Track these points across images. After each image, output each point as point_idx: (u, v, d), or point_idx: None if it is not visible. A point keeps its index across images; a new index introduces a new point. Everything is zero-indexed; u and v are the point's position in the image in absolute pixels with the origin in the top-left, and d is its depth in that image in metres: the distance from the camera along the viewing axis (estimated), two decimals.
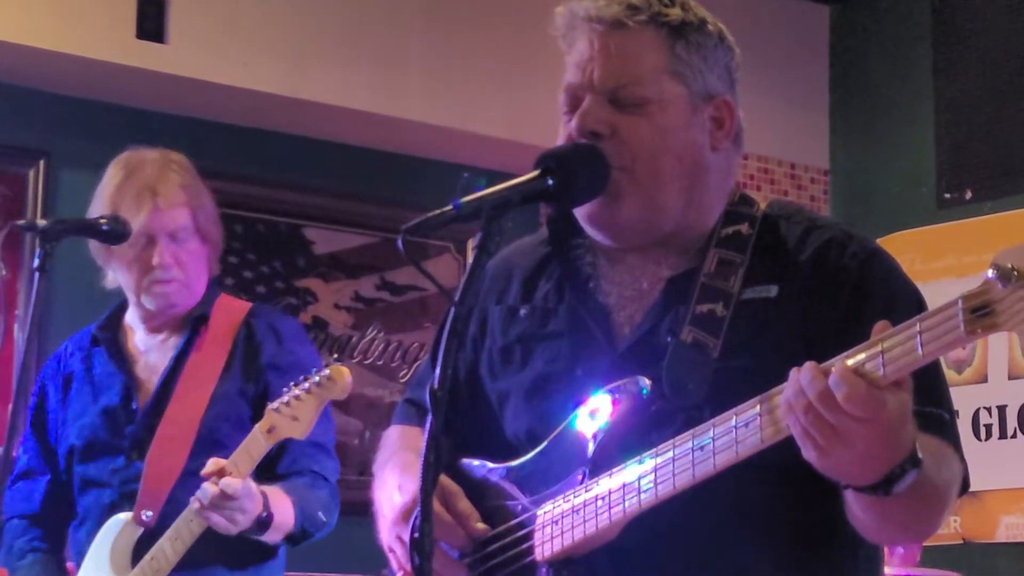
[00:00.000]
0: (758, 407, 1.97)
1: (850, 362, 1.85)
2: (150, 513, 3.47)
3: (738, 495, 2.13)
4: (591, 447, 2.18)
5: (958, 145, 6.64)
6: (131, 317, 3.73)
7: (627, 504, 2.10)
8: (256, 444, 3.27)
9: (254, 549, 3.49)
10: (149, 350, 3.69)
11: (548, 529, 2.19)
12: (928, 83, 6.82)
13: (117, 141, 5.89)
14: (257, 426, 3.28)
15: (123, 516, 3.51)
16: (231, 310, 3.71)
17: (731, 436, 1.99)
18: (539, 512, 2.22)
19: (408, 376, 6.77)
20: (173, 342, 3.66)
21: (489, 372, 2.43)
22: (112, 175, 3.63)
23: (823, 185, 7.14)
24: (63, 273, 4.85)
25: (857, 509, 2.05)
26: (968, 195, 6.54)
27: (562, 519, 2.18)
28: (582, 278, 2.35)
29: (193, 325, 3.65)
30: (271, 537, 3.43)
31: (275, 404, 3.23)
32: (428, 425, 1.94)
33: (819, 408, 1.85)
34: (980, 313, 1.72)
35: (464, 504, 2.27)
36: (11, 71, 5.67)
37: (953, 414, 2.19)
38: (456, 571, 2.27)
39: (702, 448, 2.02)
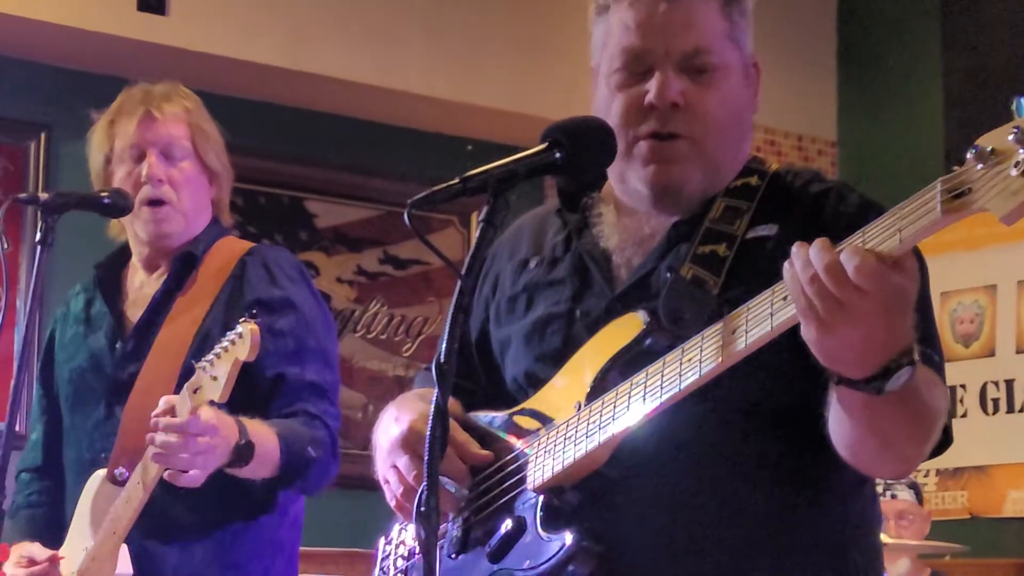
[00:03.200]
0: (747, 311, 1.97)
1: (858, 240, 1.86)
2: (123, 470, 3.19)
3: (724, 434, 2.14)
4: (588, 380, 2.18)
5: (966, 117, 6.62)
6: (134, 254, 3.48)
7: (616, 424, 2.10)
8: (183, 403, 2.97)
9: (236, 498, 3.20)
10: (140, 286, 3.44)
11: (540, 458, 2.20)
12: (936, 55, 6.80)
13: None
14: (187, 384, 2.99)
15: (100, 474, 3.27)
16: (230, 250, 3.41)
17: (722, 342, 1.98)
18: (535, 444, 2.23)
19: (411, 350, 6.76)
20: (163, 278, 3.39)
21: (495, 322, 2.45)
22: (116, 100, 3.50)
23: (830, 157, 7.12)
24: (65, 246, 4.82)
25: (844, 415, 2.03)
26: None
27: (554, 448, 2.19)
28: (587, 227, 2.38)
29: (181, 263, 3.36)
30: (258, 472, 3.12)
31: (201, 362, 2.93)
32: (434, 399, 1.92)
33: (825, 279, 1.85)
34: (956, 194, 1.75)
35: (462, 435, 2.29)
36: (12, 44, 5.65)
37: (942, 357, 2.19)
38: (450, 504, 2.27)
39: (689, 360, 2.02)
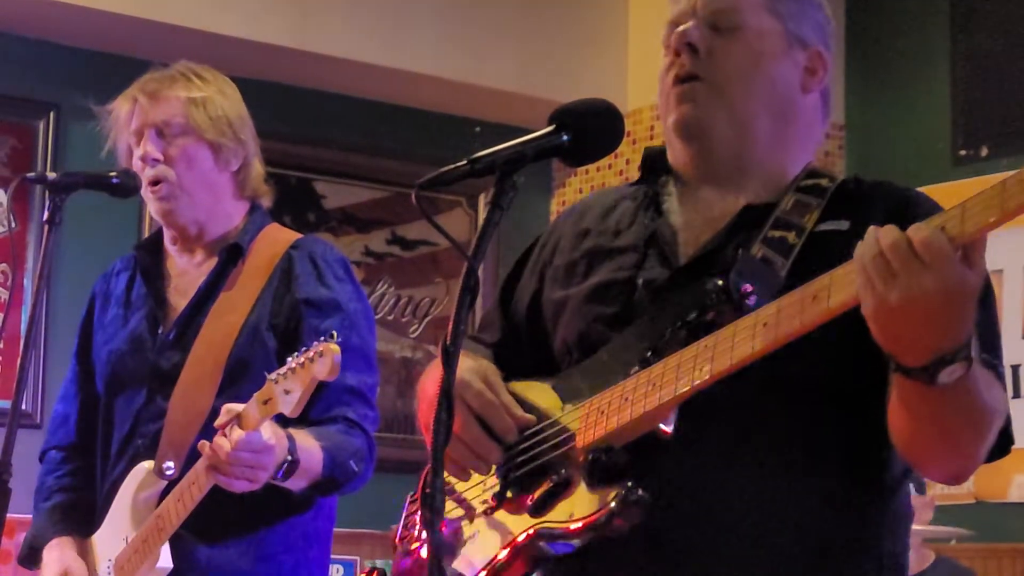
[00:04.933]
0: (827, 279, 1.98)
1: (932, 222, 1.89)
2: (171, 465, 3.21)
3: (781, 410, 2.15)
4: (650, 344, 2.18)
5: (974, 101, 6.60)
6: (165, 240, 3.48)
7: (679, 384, 2.09)
8: (251, 414, 2.96)
9: (275, 501, 3.19)
10: (182, 272, 3.43)
11: (594, 416, 2.19)
12: (945, 38, 6.78)
13: None
14: (256, 394, 2.97)
15: (146, 465, 3.26)
16: (275, 241, 3.40)
17: (797, 307, 1.98)
18: (587, 404, 2.22)
19: (418, 331, 6.76)
20: (207, 267, 3.39)
21: (552, 284, 2.45)
22: None
23: (838, 140, 7.10)
24: (72, 226, 4.84)
25: (900, 407, 2.05)
26: (984, 152, 6.51)
27: (608, 405, 2.17)
28: (657, 203, 2.40)
29: (228, 254, 3.36)
30: (295, 484, 3.12)
31: (274, 375, 2.91)
32: (441, 380, 1.92)
33: (890, 254, 1.88)
34: None
35: (507, 395, 2.29)
36: (21, 23, 5.65)
37: (1003, 365, 2.20)
38: (488, 449, 2.27)
39: (765, 324, 2.02)
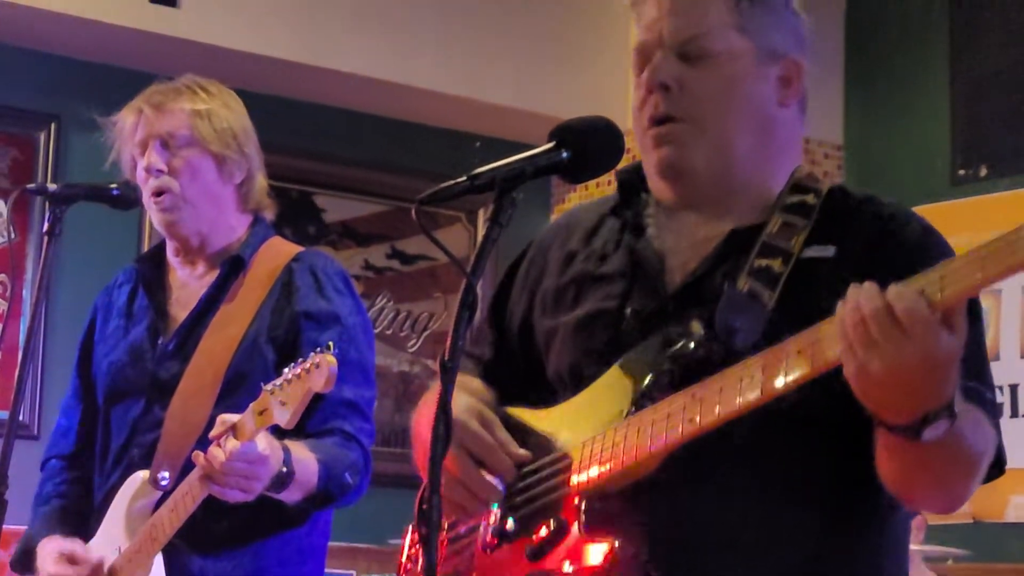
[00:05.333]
0: (812, 334, 1.98)
1: (911, 286, 1.88)
2: (166, 475, 3.21)
3: (776, 445, 2.13)
4: (638, 387, 2.18)
5: (973, 121, 6.61)
6: (168, 252, 3.48)
7: (669, 436, 2.09)
8: (246, 425, 2.95)
9: (270, 514, 3.18)
10: (184, 284, 3.43)
11: (587, 461, 2.19)
12: (944, 58, 6.79)
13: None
14: (252, 405, 2.97)
15: (141, 475, 3.26)
16: (277, 254, 3.40)
17: (782, 365, 1.98)
18: (580, 446, 2.22)
19: (416, 346, 6.76)
20: (209, 279, 3.39)
21: (541, 311, 2.44)
22: None
23: (837, 160, 7.11)
24: (72, 237, 4.84)
25: (886, 454, 2.06)
26: (983, 171, 6.51)
27: (601, 451, 2.17)
28: (640, 226, 2.37)
29: (230, 266, 3.36)
30: (290, 496, 3.11)
31: (270, 385, 2.91)
32: (439, 396, 1.92)
33: (871, 323, 1.88)
34: None
35: (503, 433, 2.28)
36: (23, 34, 5.66)
37: (995, 395, 2.20)
38: (488, 491, 2.27)
39: (751, 377, 2.02)
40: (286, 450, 3.07)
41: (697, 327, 2.17)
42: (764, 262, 2.21)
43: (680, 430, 2.08)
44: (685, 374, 2.14)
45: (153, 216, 3.40)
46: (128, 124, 3.40)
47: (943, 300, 1.85)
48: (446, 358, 1.96)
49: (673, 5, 2.30)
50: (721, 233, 2.29)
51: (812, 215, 2.26)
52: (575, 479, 2.20)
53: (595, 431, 2.21)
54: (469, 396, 2.30)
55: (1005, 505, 6.26)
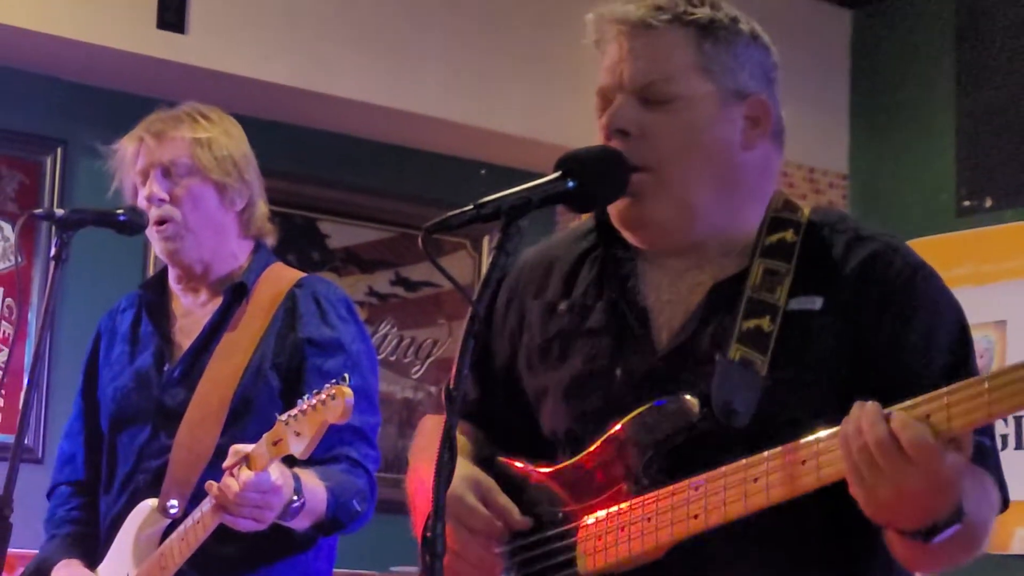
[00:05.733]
0: (816, 445, 1.98)
1: (915, 412, 1.87)
2: (175, 504, 3.22)
3: (783, 519, 2.10)
4: (637, 461, 2.17)
5: (978, 152, 6.62)
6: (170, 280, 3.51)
7: (675, 528, 2.10)
8: (260, 455, 2.97)
9: (277, 540, 3.19)
10: (187, 312, 3.46)
11: (591, 542, 2.19)
12: (950, 89, 6.80)
13: None
14: (266, 435, 2.98)
15: (150, 503, 3.28)
16: (279, 279, 3.42)
17: (787, 472, 1.99)
18: (582, 523, 2.21)
19: (420, 372, 6.76)
20: (212, 306, 3.42)
21: (527, 367, 2.42)
22: None
23: (842, 190, 7.12)
24: (77, 262, 4.84)
25: (897, 546, 2.06)
26: (988, 203, 6.52)
27: (606, 534, 2.17)
28: (622, 276, 2.34)
29: (233, 293, 3.38)
30: (299, 523, 3.14)
31: (285, 416, 2.93)
32: (444, 425, 1.93)
33: (874, 451, 1.88)
34: None
35: (503, 499, 2.27)
36: (30, 59, 5.67)
37: (995, 440, 2.20)
38: (491, 565, 2.26)
39: (756, 480, 2.01)
40: (297, 479, 3.08)
41: (694, 404, 2.15)
42: (752, 323, 2.18)
43: (687, 525, 2.09)
44: (683, 452, 2.14)
45: (156, 245, 3.42)
46: (129, 152, 3.42)
47: (951, 430, 1.85)
48: (451, 386, 1.96)
49: (633, 47, 2.26)
50: (702, 285, 2.26)
51: (793, 257, 2.22)
52: (580, 562, 2.20)
53: (596, 505, 2.20)
54: (466, 467, 2.28)
55: (1010, 537, 6.24)
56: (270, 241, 3.51)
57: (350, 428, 3.24)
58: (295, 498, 3.06)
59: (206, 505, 3.07)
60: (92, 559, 3.39)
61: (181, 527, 3.16)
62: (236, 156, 3.41)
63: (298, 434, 2.89)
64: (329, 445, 3.20)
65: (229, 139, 3.42)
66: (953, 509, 1.93)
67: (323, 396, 2.88)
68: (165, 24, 5.67)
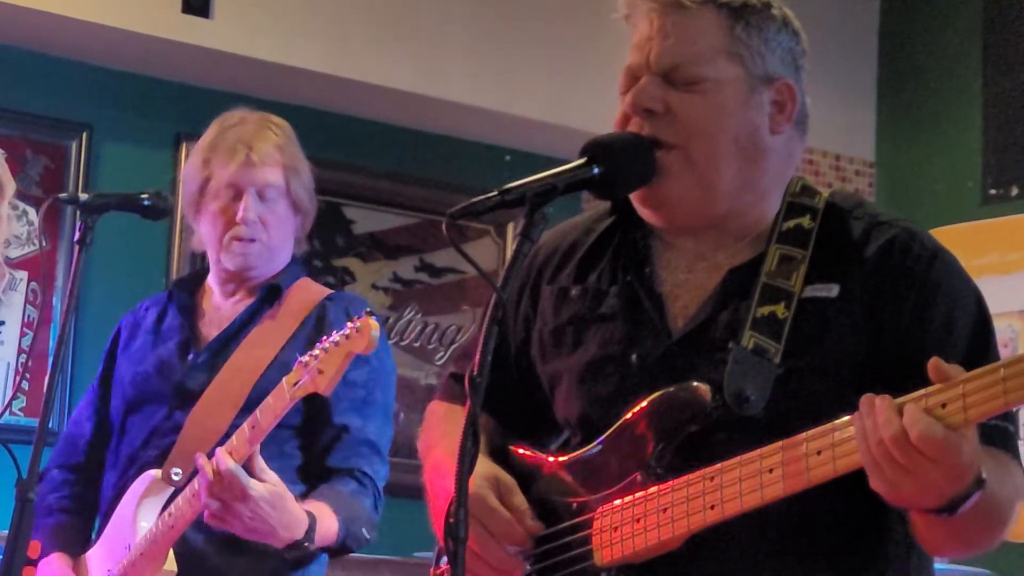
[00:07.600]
0: (832, 436, 1.96)
1: (930, 402, 1.86)
2: (179, 471, 3.29)
3: (800, 507, 2.10)
4: (650, 450, 2.16)
5: (1005, 141, 6.59)
6: (212, 278, 3.61)
7: (691, 519, 2.10)
8: (280, 397, 3.05)
9: (283, 557, 3.26)
10: (218, 307, 3.56)
11: (607, 534, 2.19)
12: (977, 77, 6.77)
13: (159, 115, 5.93)
14: (285, 379, 3.07)
15: (153, 473, 3.34)
16: (310, 291, 3.56)
17: (803, 463, 1.97)
18: (597, 514, 2.21)
19: (444, 359, 6.76)
20: (243, 304, 3.54)
21: (540, 353, 2.41)
22: (209, 131, 3.56)
23: (868, 178, 7.09)
24: (102, 247, 4.85)
25: (922, 527, 2.06)
26: (1014, 192, 6.49)
27: (622, 525, 2.17)
28: (637, 260, 2.32)
29: (267, 293, 3.51)
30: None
31: (304, 357, 3.03)
32: (467, 411, 1.92)
33: (891, 447, 1.87)
34: None
35: (519, 499, 2.27)
36: (55, 43, 5.67)
37: (1016, 426, 2.18)
38: (511, 566, 2.25)
39: (771, 471, 2.00)
40: (312, 521, 3.18)
41: (706, 392, 2.14)
42: (767, 309, 2.17)
43: (703, 516, 2.08)
44: (696, 440, 2.14)
45: (231, 257, 3.50)
46: (218, 165, 3.49)
47: (967, 420, 1.85)
48: (475, 373, 1.96)
49: (664, 25, 2.25)
50: (718, 270, 2.25)
51: (810, 243, 2.21)
52: (597, 554, 2.20)
53: (609, 495, 2.20)
54: (485, 466, 2.28)
55: None
56: (302, 247, 3.67)
57: (368, 442, 3.39)
58: (305, 544, 3.17)
59: (188, 492, 3.17)
60: (79, 547, 3.48)
61: (187, 488, 3.21)
62: (309, 174, 3.61)
63: (321, 371, 2.95)
64: (345, 456, 3.37)
65: (305, 164, 3.61)
66: (973, 478, 1.92)
67: (346, 331, 2.97)
68: (190, 8, 5.67)
